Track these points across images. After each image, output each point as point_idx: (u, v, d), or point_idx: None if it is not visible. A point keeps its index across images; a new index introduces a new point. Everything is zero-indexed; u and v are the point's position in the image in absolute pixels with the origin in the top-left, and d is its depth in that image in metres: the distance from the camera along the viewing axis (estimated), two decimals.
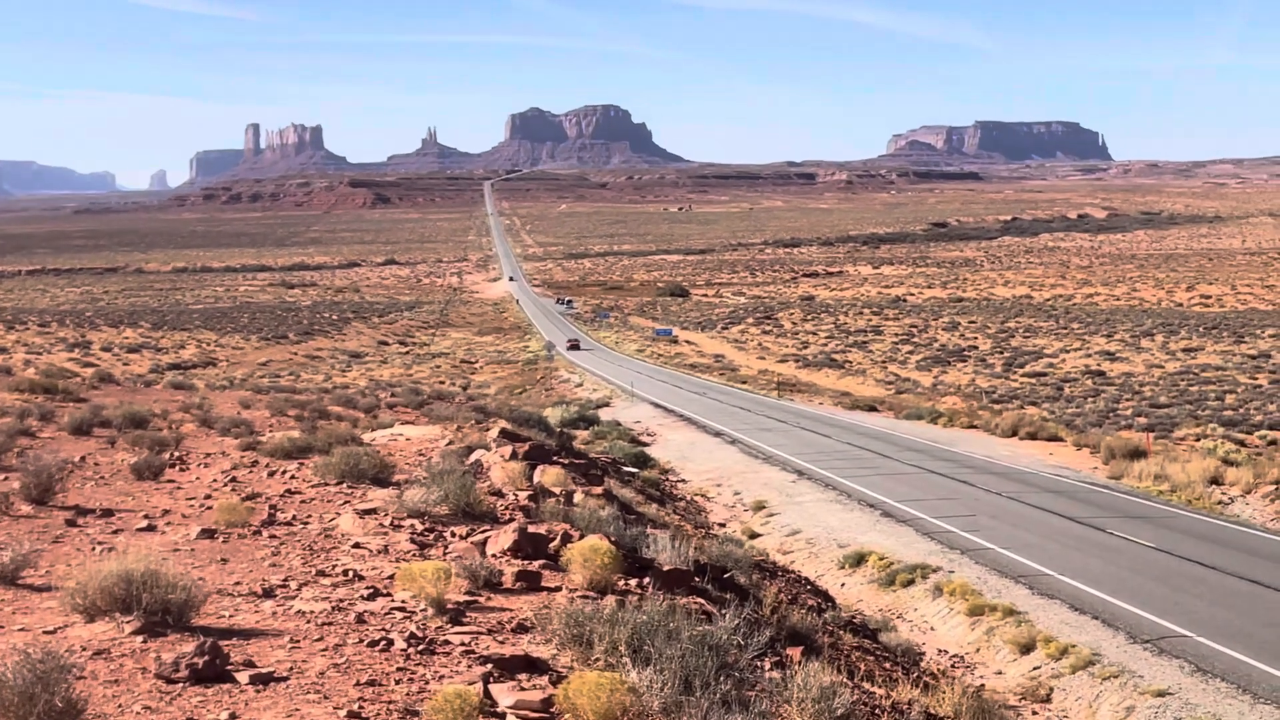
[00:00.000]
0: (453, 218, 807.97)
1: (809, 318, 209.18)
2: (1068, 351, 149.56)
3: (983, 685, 26.20)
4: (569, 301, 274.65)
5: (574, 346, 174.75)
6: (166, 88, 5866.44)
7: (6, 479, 23.52)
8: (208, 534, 18.77)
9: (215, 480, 24.84)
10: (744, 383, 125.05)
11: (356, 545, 18.13)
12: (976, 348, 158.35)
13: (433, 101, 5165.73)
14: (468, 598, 14.79)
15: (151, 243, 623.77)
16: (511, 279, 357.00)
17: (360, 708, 10.83)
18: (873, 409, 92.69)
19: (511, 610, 14.38)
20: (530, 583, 15.68)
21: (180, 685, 11.17)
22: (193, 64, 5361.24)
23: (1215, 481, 50.13)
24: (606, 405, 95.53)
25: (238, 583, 15.44)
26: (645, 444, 67.47)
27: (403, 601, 14.32)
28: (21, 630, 12.99)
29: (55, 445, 29.34)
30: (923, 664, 26.28)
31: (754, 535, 42.68)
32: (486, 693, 11.02)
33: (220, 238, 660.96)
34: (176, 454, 28.65)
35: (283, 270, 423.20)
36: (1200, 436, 72.75)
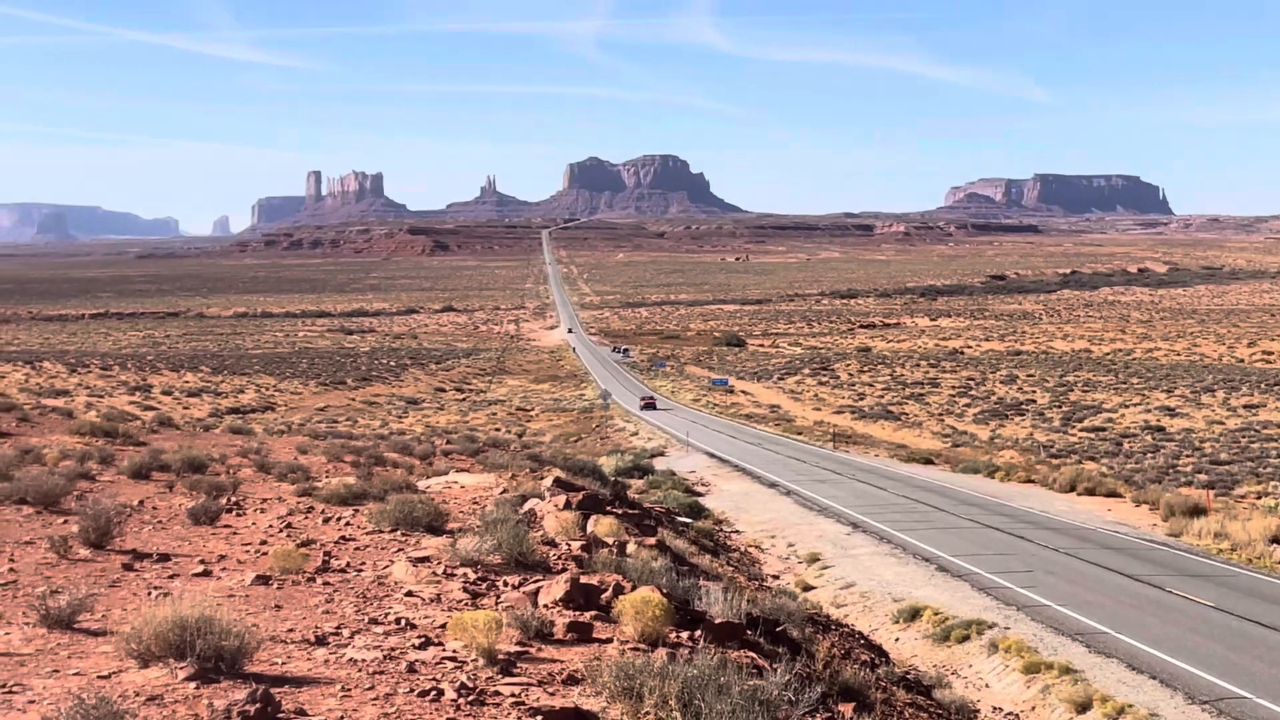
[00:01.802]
0: (510, 266, 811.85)
1: (865, 369, 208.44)
2: (1127, 406, 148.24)
3: None
4: (625, 350, 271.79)
5: (649, 406, 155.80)
6: (230, 135, 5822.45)
7: (66, 522, 23.61)
8: (262, 580, 18.84)
9: (271, 526, 24.82)
10: (799, 434, 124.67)
11: (409, 593, 18.15)
12: (1034, 401, 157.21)
13: (492, 150, 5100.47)
14: (519, 648, 14.79)
15: (213, 288, 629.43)
16: (570, 331, 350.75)
17: None
18: (929, 462, 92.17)
19: (563, 662, 14.36)
20: (582, 634, 15.66)
21: None
22: (256, 112, 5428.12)
23: (1277, 540, 49.47)
24: (661, 455, 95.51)
25: (291, 630, 15.49)
26: (700, 494, 67.36)
27: (454, 651, 14.33)
28: (76, 675, 13.08)
29: (114, 489, 29.39)
30: None
31: (808, 588, 42.38)
32: None
33: (281, 283, 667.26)
34: (233, 499, 28.70)
35: (342, 316, 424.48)
36: (1261, 494, 71.85)
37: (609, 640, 15.58)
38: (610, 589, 17.80)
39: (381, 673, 13.45)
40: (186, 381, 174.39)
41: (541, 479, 37.07)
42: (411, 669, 13.60)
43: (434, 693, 12.66)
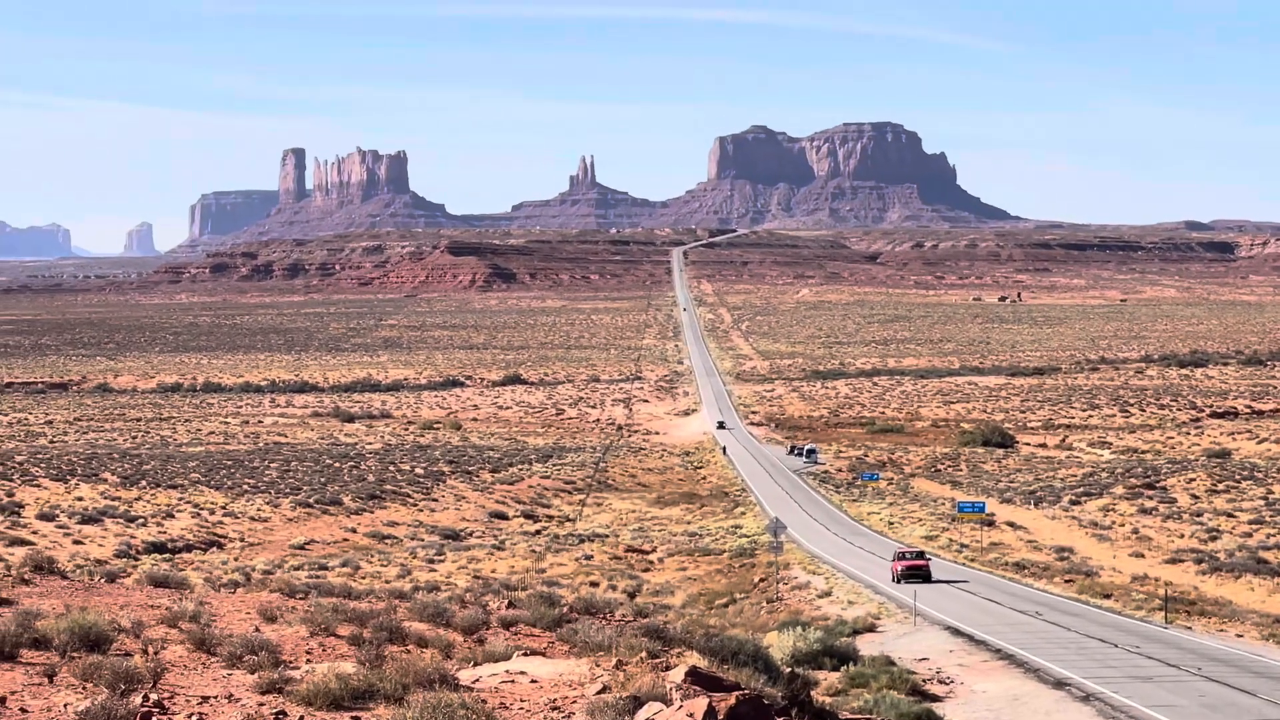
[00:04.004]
0: (619, 307, 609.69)
1: (1221, 487, 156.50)
2: None
3: None
4: (810, 451, 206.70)
5: (915, 574, 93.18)
6: (151, 92, 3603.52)
7: None
8: None
9: None
10: (1107, 596, 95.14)
11: None
12: None
13: (590, 116, 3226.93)
14: None
15: (125, 342, 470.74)
16: (723, 425, 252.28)
17: None
18: None
19: None
20: None
21: None
22: (193, 54, 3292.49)
23: None
24: (870, 630, 72.24)
25: None
26: (935, 698, 50.81)
27: None
28: None
29: None
30: None
31: None
32: None
33: (236, 335, 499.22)
34: (153, 698, 25.35)
35: (336, 391, 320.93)
36: None
37: None
38: None
39: None
40: (80, 498, 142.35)
41: (667, 669, 30.74)
42: None
43: None
